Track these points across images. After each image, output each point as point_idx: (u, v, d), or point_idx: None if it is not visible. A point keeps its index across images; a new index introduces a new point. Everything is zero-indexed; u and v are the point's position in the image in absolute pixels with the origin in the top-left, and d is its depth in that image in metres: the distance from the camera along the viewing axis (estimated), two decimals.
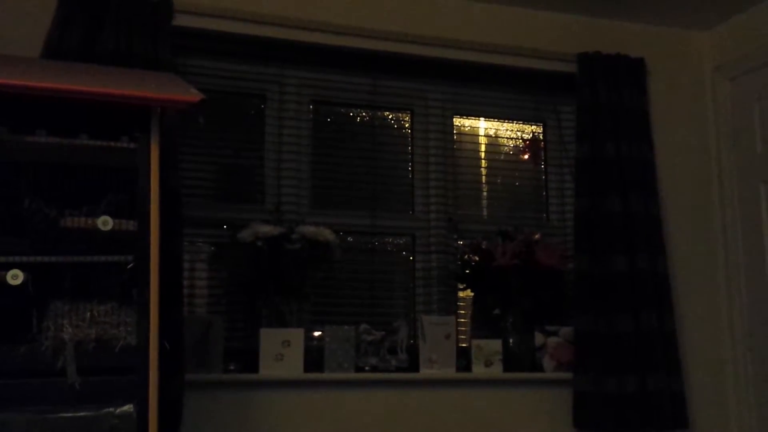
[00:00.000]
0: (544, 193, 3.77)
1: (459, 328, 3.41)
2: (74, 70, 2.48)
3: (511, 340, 3.39)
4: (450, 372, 3.26)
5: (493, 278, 3.37)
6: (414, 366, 3.24)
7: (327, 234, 3.15)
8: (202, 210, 3.22)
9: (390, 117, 3.63)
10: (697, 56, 3.91)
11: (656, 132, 3.70)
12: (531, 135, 3.82)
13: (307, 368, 3.08)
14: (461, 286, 3.51)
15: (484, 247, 3.41)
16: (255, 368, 3.03)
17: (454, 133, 3.66)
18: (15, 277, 2.08)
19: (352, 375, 3.13)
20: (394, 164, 3.58)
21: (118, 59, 2.87)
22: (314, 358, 3.12)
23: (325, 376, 3.10)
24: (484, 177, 3.72)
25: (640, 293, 3.41)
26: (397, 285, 3.54)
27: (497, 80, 3.69)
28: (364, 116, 3.58)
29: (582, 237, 3.44)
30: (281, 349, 3.04)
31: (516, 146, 3.79)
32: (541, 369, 3.40)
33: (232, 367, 3.05)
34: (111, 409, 2.11)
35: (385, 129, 3.61)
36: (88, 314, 2.16)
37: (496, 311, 3.42)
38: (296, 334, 3.07)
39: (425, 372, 3.23)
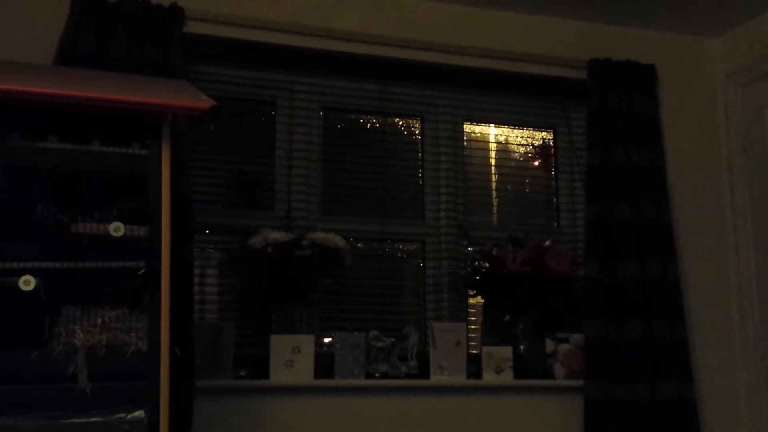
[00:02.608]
0: (555, 200, 3.76)
1: (469, 335, 3.40)
2: (86, 77, 2.49)
3: (521, 347, 3.38)
4: (460, 379, 3.25)
5: (504, 285, 3.36)
6: (424, 373, 3.23)
7: (337, 240, 3.15)
8: (212, 216, 3.23)
9: (400, 123, 3.63)
10: (708, 63, 3.90)
11: (667, 138, 3.69)
12: (541, 141, 3.81)
13: (318, 374, 3.07)
14: (471, 293, 3.51)
15: (494, 253, 3.40)
16: (265, 374, 3.03)
17: (464, 140, 3.66)
18: (27, 283, 2.09)
19: (363, 381, 3.13)
20: (404, 171, 3.58)
21: (130, 66, 2.88)
22: (324, 364, 3.11)
23: (335, 382, 3.10)
24: (494, 183, 3.71)
25: (651, 300, 3.39)
26: (408, 291, 3.53)
27: (507, 87, 3.68)
28: (375, 123, 3.59)
29: (593, 244, 3.43)
30: (291, 356, 3.04)
31: (526, 153, 3.79)
32: (551, 376, 3.39)
33: (242, 374, 3.05)
34: (122, 415, 2.11)
35: (395, 135, 3.61)
36: (100, 320, 2.17)
37: (507, 318, 3.41)
38: (306, 341, 3.07)
39: (435, 379, 3.22)
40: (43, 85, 2.17)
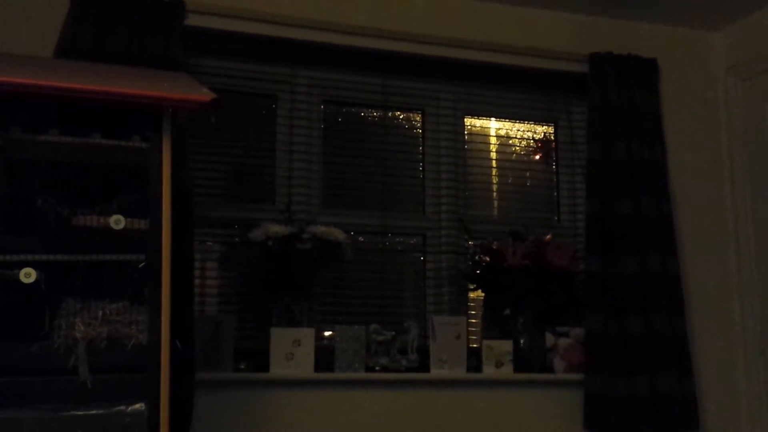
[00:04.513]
0: (555, 194, 3.76)
1: (469, 329, 3.40)
2: (87, 70, 2.49)
3: (521, 341, 3.39)
4: (460, 372, 3.25)
5: (504, 279, 3.36)
6: (424, 366, 3.24)
7: (338, 234, 3.15)
8: (213, 209, 3.23)
9: (401, 117, 3.63)
10: (710, 57, 3.89)
11: (668, 132, 3.69)
12: (542, 135, 3.81)
13: (318, 368, 3.08)
14: (472, 287, 3.51)
15: (494, 247, 3.41)
16: (265, 367, 3.03)
17: (465, 134, 3.66)
18: (28, 276, 2.09)
19: (363, 375, 3.13)
20: (404, 164, 3.58)
21: (131, 59, 2.88)
22: (325, 357, 3.12)
23: (336, 375, 3.10)
24: (495, 177, 3.71)
25: (652, 294, 3.40)
26: (408, 285, 3.53)
27: (508, 80, 3.68)
28: (375, 116, 3.59)
29: (593, 238, 3.43)
30: (292, 349, 3.05)
31: (527, 146, 3.78)
32: (551, 370, 3.39)
33: (242, 367, 3.06)
34: (122, 407, 2.11)
35: (396, 129, 3.61)
36: (100, 313, 2.17)
37: (507, 312, 3.41)
38: (307, 334, 3.07)
39: (435, 372, 3.23)
40: (44, 77, 2.16)
